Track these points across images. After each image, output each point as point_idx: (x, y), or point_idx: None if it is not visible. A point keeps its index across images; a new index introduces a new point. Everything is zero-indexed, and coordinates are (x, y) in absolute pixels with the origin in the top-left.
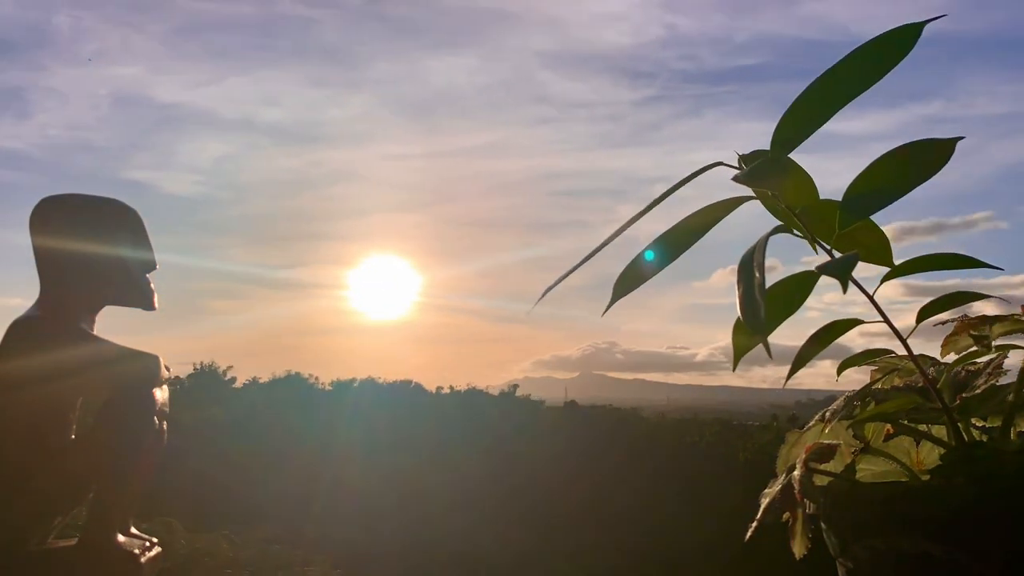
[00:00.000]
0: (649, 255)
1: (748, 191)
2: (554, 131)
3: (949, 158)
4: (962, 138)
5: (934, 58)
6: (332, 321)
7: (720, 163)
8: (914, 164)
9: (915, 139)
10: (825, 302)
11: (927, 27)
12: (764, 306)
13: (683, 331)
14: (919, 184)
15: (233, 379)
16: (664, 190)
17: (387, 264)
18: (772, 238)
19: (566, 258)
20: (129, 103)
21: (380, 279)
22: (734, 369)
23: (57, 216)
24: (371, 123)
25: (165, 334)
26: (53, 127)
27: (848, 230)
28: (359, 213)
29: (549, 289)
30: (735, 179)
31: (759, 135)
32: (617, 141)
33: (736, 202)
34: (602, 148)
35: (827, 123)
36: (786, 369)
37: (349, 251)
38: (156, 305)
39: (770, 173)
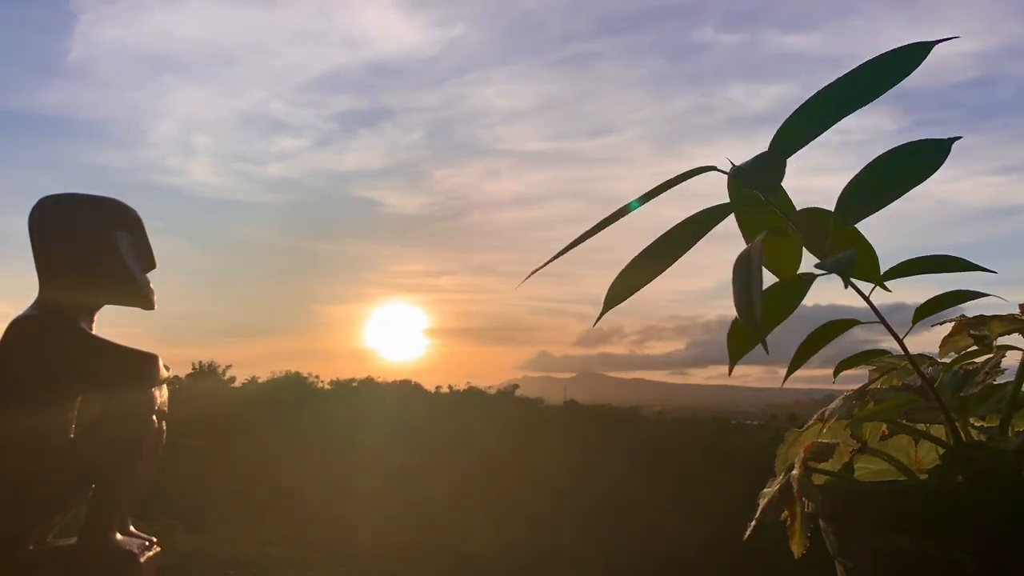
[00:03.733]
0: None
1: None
2: (799, 156)
3: (945, 158)
4: (959, 138)
5: None
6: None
7: (712, 168)
8: (911, 165)
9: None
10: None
11: None
12: (760, 303)
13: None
14: (916, 184)
15: (232, 379)
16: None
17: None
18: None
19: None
20: (440, 131)
21: (512, 287)
22: (730, 372)
23: (56, 215)
24: (634, 147)
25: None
26: (358, 154)
27: (836, 240)
28: (537, 228)
29: (536, 271)
30: (732, 176)
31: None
32: (851, 163)
33: (724, 210)
34: (832, 169)
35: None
36: (784, 369)
37: (501, 260)
38: (155, 305)
39: (766, 175)
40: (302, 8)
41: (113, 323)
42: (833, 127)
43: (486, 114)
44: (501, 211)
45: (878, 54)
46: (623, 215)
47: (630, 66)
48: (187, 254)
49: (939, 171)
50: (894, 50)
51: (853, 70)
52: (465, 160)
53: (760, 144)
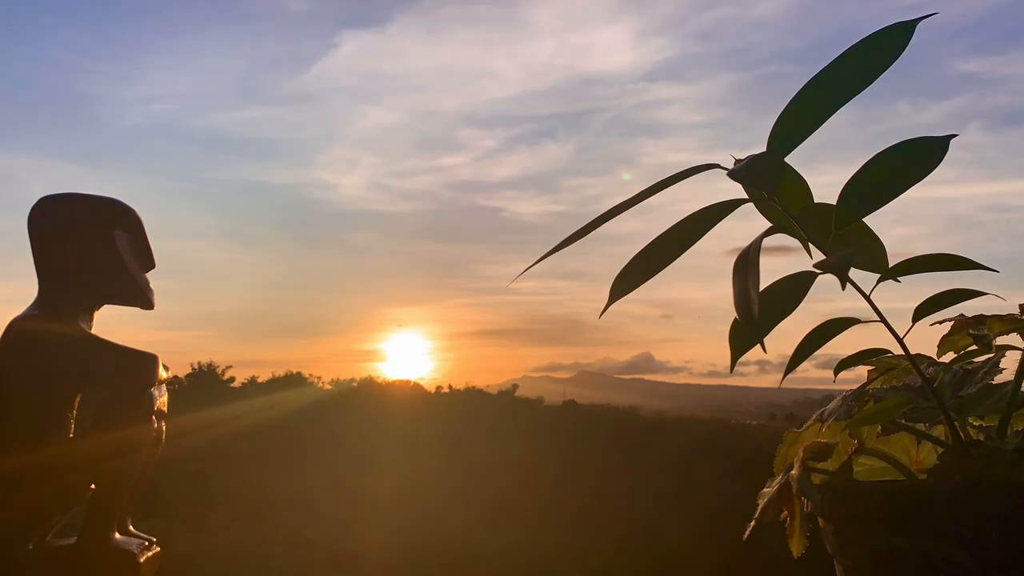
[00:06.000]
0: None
1: (743, 194)
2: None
3: (943, 156)
4: (955, 135)
5: None
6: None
7: (715, 165)
8: (909, 163)
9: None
10: (823, 302)
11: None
12: (759, 303)
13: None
14: (915, 183)
15: (232, 379)
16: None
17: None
18: (770, 240)
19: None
20: (593, 144)
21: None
22: (731, 370)
23: (56, 215)
24: None
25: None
26: (505, 168)
27: (843, 235)
28: (646, 236)
29: (528, 268)
30: (730, 175)
31: None
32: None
33: (731, 205)
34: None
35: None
36: (783, 369)
37: (590, 265)
38: (155, 304)
39: (766, 173)
40: (542, 33)
41: (175, 326)
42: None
43: (647, 130)
44: (618, 220)
45: (859, 40)
46: (624, 211)
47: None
48: (299, 258)
49: None
50: (876, 33)
51: (837, 59)
52: (604, 171)
53: None
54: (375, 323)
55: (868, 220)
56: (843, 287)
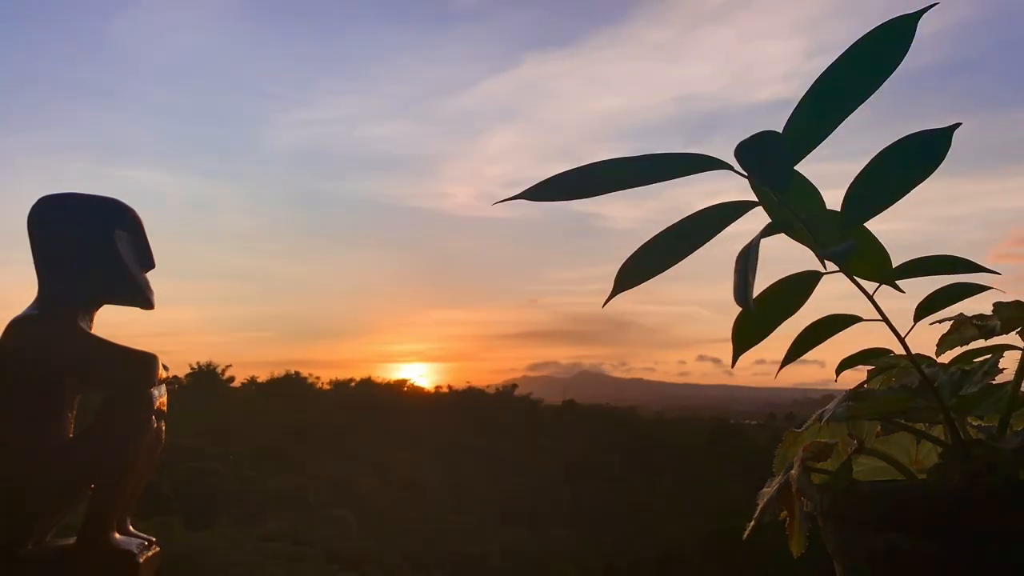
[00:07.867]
0: None
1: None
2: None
3: (946, 150)
4: (959, 124)
5: None
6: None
7: (729, 167)
8: (910, 161)
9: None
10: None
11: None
12: (753, 286)
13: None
14: (919, 182)
15: (231, 379)
16: None
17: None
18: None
19: None
20: (699, 151)
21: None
22: (733, 365)
23: (56, 215)
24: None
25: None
26: None
27: (847, 239)
28: (718, 240)
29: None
30: (737, 156)
31: None
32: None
33: (741, 208)
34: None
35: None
36: (786, 369)
37: None
38: (154, 304)
39: (775, 172)
40: (708, 52)
41: (238, 328)
42: None
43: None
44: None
45: (858, 38)
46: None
47: (952, 94)
48: (383, 264)
49: None
50: (879, 29)
51: (842, 60)
52: (700, 179)
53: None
54: (417, 326)
55: (948, 221)
56: (848, 274)
